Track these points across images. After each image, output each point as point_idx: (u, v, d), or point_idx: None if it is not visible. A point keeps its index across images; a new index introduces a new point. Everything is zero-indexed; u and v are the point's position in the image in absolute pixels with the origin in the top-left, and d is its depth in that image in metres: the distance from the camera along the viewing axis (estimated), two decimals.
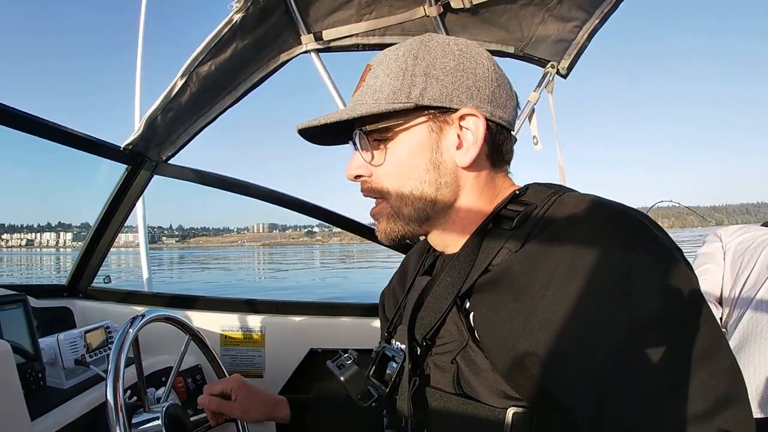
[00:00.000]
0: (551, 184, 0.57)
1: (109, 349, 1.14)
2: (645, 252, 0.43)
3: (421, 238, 0.63)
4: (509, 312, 0.47)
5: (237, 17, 1.08)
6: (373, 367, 0.61)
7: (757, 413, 0.98)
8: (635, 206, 0.49)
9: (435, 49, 0.55)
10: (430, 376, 0.54)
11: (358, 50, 1.39)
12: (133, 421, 0.81)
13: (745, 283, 1.18)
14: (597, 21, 1.33)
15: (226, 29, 1.10)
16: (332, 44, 1.36)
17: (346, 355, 0.65)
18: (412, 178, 0.55)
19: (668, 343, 0.41)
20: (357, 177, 0.59)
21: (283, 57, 1.35)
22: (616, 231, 0.45)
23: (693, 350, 0.41)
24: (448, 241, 0.59)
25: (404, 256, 0.80)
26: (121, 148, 1.29)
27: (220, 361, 1.04)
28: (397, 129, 0.55)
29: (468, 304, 0.52)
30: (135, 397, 0.88)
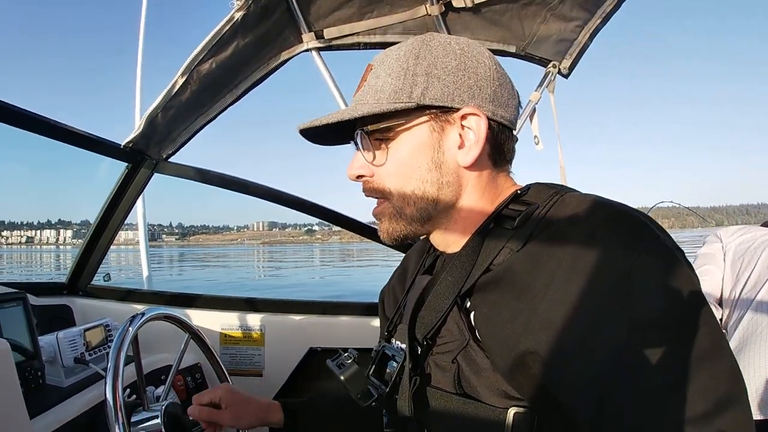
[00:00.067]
0: (553, 184, 0.57)
1: (109, 347, 1.14)
2: (647, 252, 0.43)
3: (422, 237, 0.63)
4: (510, 311, 0.47)
5: (238, 15, 1.08)
6: (373, 366, 0.61)
7: (756, 415, 0.98)
8: (636, 207, 0.49)
9: (436, 48, 0.55)
10: (430, 375, 0.53)
11: (359, 49, 1.39)
12: (133, 419, 0.81)
13: (745, 284, 1.18)
14: (599, 21, 1.33)
15: (227, 27, 1.09)
16: (333, 43, 1.36)
17: (346, 354, 0.65)
18: (413, 178, 0.55)
19: (669, 343, 0.41)
20: (359, 177, 0.59)
21: (284, 55, 1.34)
22: (617, 231, 0.45)
23: (694, 351, 0.41)
24: (449, 241, 0.59)
25: (404, 255, 0.80)
26: (122, 146, 1.29)
27: (219, 360, 1.04)
28: (399, 129, 0.55)
29: (469, 304, 0.52)
30: (134, 396, 0.88)
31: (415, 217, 0.56)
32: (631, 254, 0.43)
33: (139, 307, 1.36)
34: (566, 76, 1.49)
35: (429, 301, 0.55)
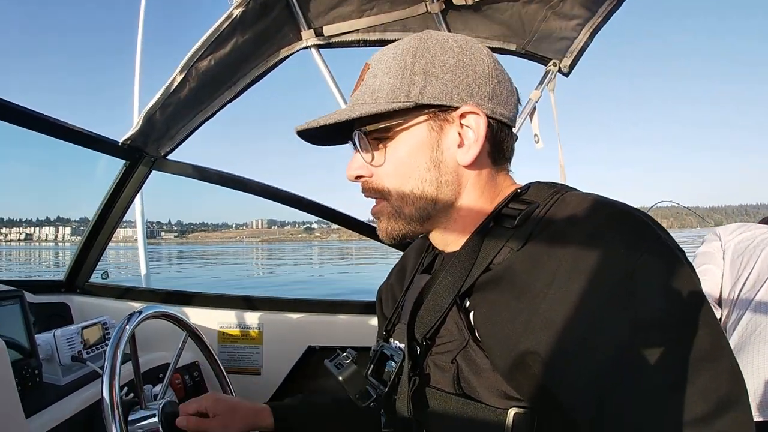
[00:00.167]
0: (553, 183, 0.57)
1: (106, 345, 1.14)
2: (649, 252, 0.43)
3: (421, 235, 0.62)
4: (510, 311, 0.46)
5: (237, 12, 1.08)
6: (372, 366, 0.60)
7: (755, 416, 0.98)
8: (636, 206, 0.48)
9: (434, 46, 0.54)
10: (429, 375, 0.53)
11: (358, 46, 1.38)
12: (130, 418, 0.81)
13: (744, 283, 1.17)
14: (599, 20, 1.33)
15: (225, 24, 1.09)
16: (333, 40, 1.35)
17: (344, 354, 0.65)
18: (412, 178, 0.54)
19: (670, 344, 0.41)
20: (358, 177, 0.58)
21: (283, 52, 1.34)
22: (619, 230, 0.45)
23: (695, 352, 0.41)
24: (448, 240, 0.59)
25: (402, 253, 0.79)
26: (120, 143, 1.28)
27: (217, 359, 1.04)
28: (397, 129, 0.54)
29: (468, 303, 0.52)
30: (132, 394, 0.87)
31: (414, 216, 0.56)
32: (634, 254, 0.43)
33: (137, 305, 1.36)
34: (567, 75, 1.49)
35: (428, 301, 0.55)
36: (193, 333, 1.01)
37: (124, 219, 1.50)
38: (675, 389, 0.40)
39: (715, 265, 1.28)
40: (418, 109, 0.53)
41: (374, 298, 0.80)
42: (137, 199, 2.82)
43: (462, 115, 0.53)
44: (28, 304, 1.05)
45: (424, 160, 0.54)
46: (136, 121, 1.23)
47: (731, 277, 1.23)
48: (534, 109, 1.48)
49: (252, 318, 1.44)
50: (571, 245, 0.45)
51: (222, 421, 0.79)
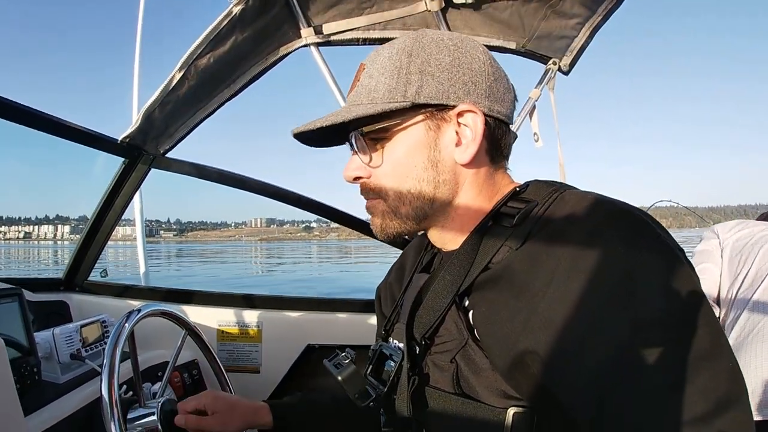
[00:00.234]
0: (552, 181, 0.57)
1: (106, 343, 1.14)
2: (648, 250, 0.43)
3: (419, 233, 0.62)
4: (509, 310, 0.46)
5: (236, 9, 1.07)
6: (371, 365, 0.60)
7: (755, 415, 0.98)
8: (636, 205, 0.48)
9: (429, 45, 0.54)
10: (429, 375, 0.53)
11: (358, 44, 1.38)
12: (129, 416, 0.81)
13: (743, 281, 1.17)
14: (599, 18, 1.32)
15: (225, 22, 1.08)
16: (332, 38, 1.35)
17: (343, 354, 0.65)
18: (410, 177, 0.54)
19: (670, 343, 0.41)
20: (356, 179, 0.58)
21: (283, 50, 1.33)
22: (618, 229, 0.44)
23: (695, 351, 0.41)
24: (447, 239, 0.58)
25: (401, 252, 0.79)
26: (119, 141, 1.28)
27: (216, 357, 1.04)
28: (395, 129, 0.54)
29: (467, 303, 0.52)
30: (131, 392, 0.87)
31: (410, 215, 0.56)
32: (633, 253, 0.43)
33: (136, 303, 1.36)
34: (566, 74, 1.48)
35: (427, 300, 0.55)
36: (192, 331, 1.01)
37: (123, 217, 1.50)
38: (675, 389, 0.40)
39: (714, 264, 1.28)
40: (415, 108, 0.53)
41: (373, 297, 0.80)
42: (136, 197, 2.81)
43: (459, 114, 0.53)
44: (27, 302, 1.05)
45: (421, 160, 0.54)
46: (135, 118, 1.23)
47: (729, 275, 1.22)
48: (534, 107, 1.48)
49: (251, 316, 1.44)
50: (570, 244, 0.45)
51: (221, 419, 0.79)
